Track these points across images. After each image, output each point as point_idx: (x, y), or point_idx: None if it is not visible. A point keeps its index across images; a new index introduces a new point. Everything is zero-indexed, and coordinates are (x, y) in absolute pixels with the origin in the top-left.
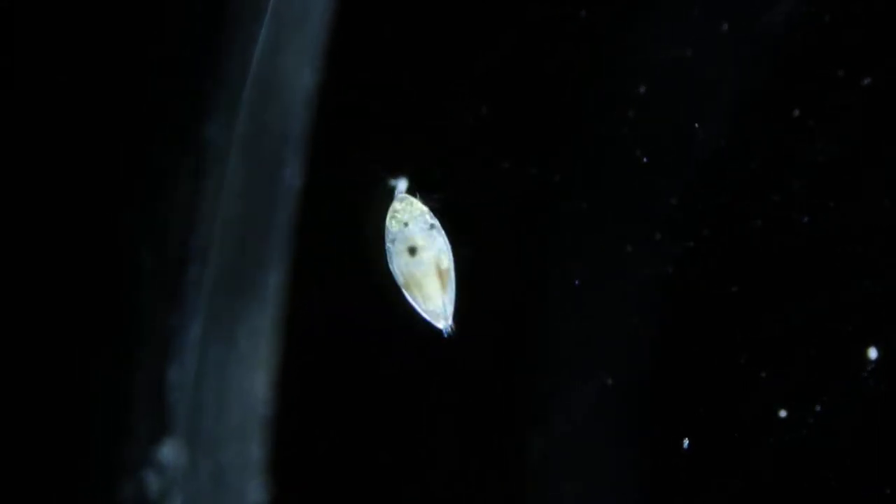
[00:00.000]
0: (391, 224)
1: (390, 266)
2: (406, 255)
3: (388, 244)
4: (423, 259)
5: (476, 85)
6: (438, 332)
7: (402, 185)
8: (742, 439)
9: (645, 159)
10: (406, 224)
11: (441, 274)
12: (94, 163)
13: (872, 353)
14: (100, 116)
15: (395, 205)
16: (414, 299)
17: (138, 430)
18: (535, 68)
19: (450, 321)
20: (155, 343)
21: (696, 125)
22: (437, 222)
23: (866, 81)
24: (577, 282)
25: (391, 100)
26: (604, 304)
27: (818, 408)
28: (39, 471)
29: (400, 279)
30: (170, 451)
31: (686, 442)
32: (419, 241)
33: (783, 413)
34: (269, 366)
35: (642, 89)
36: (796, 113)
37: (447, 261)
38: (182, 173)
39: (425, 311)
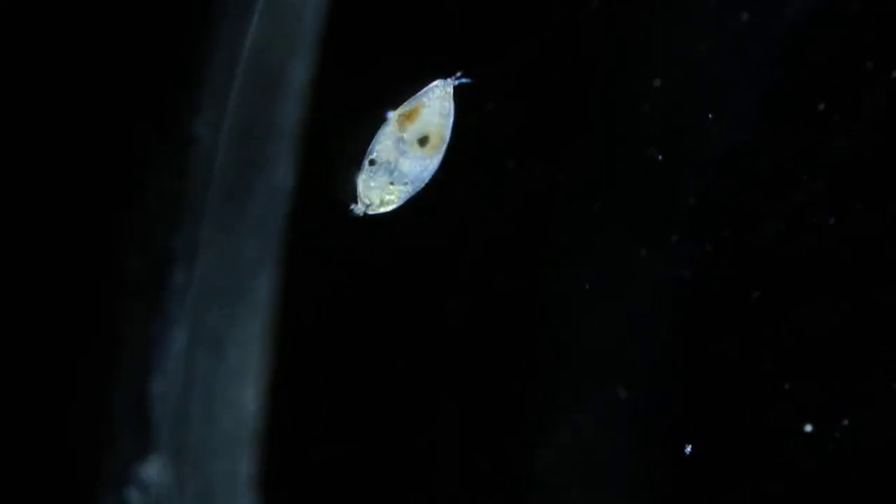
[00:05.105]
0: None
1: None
2: (419, 148)
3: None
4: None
5: (481, 80)
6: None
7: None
8: (765, 454)
9: (660, 157)
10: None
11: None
12: (72, 161)
13: None
14: (78, 112)
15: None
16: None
17: (119, 445)
18: (541, 61)
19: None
20: (137, 352)
21: (710, 116)
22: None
23: (895, 74)
24: (587, 286)
25: (389, 95)
26: (616, 311)
27: (846, 422)
28: (14, 490)
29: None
30: (153, 468)
31: (689, 448)
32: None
33: (809, 427)
34: (260, 376)
35: (657, 83)
36: (820, 107)
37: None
38: (167, 172)
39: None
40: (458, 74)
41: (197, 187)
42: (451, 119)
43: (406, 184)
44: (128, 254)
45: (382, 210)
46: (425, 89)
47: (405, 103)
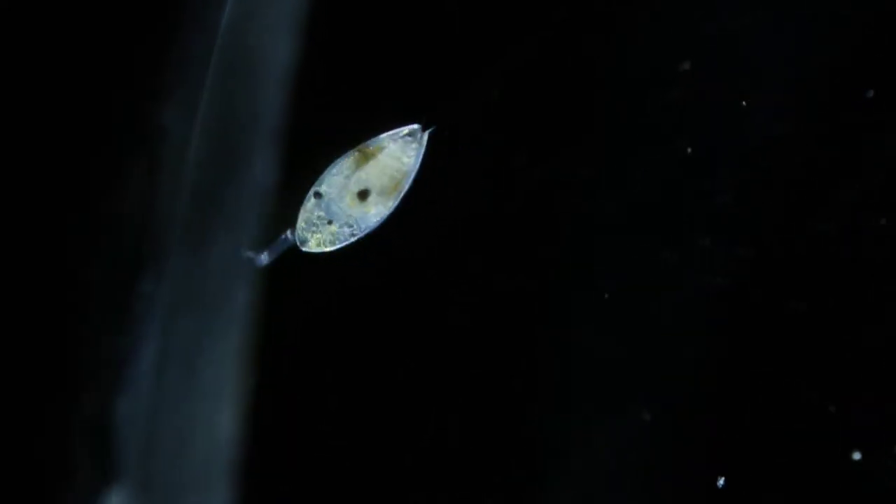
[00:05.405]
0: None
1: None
2: (358, 202)
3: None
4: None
5: (486, 59)
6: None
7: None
8: (808, 486)
9: (689, 150)
10: (329, 222)
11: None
12: (27, 155)
13: None
14: (34, 101)
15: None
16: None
17: (79, 475)
18: (556, 40)
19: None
20: (100, 370)
21: (744, 104)
22: (318, 190)
23: None
24: (606, 296)
25: (384, 80)
26: (639, 324)
27: None
28: None
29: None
30: (117, 501)
31: (721, 480)
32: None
33: (857, 455)
34: (238, 398)
35: (685, 66)
36: (870, 94)
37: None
38: (133, 167)
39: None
40: (433, 126)
41: (167, 184)
42: (413, 170)
43: (350, 226)
44: (88, 259)
45: (317, 250)
46: (394, 131)
47: (369, 141)
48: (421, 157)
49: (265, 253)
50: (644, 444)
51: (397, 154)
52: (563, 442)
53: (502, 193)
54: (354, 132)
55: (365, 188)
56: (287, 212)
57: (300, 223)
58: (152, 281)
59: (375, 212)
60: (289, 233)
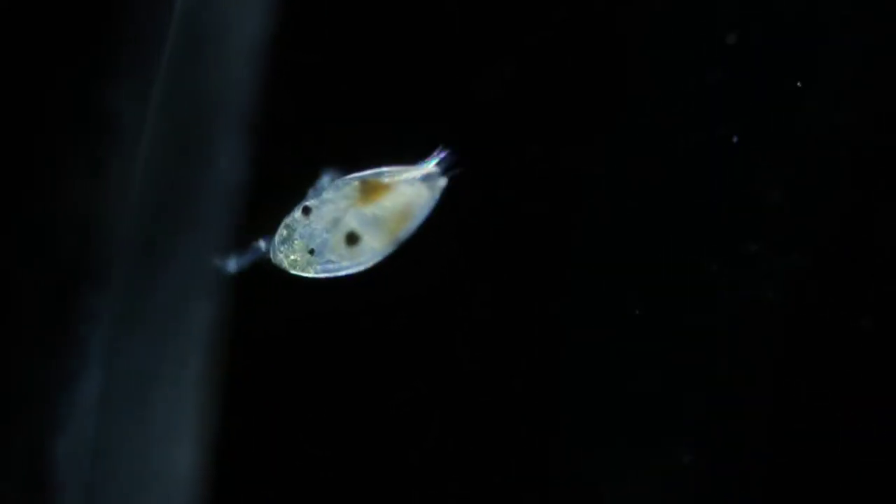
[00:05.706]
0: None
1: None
2: (345, 244)
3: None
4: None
5: (497, 34)
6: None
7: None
8: None
9: (734, 139)
10: (312, 251)
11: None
12: None
13: None
14: None
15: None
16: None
17: None
18: (582, 12)
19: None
20: (34, 402)
21: (799, 84)
22: (307, 206)
23: None
24: (637, 311)
25: (374, 59)
26: (677, 345)
27: None
28: None
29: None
30: None
31: None
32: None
33: None
34: (198, 431)
35: (730, 40)
36: None
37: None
38: (75, 161)
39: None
40: (454, 171)
41: (116, 181)
42: (420, 218)
43: (333, 263)
44: (18, 271)
45: (292, 271)
46: (408, 169)
47: (376, 170)
48: (433, 205)
49: (232, 262)
50: (683, 490)
51: (407, 196)
52: (590, 485)
53: (515, 194)
54: (338, 121)
55: (357, 231)
56: (259, 215)
57: (280, 232)
58: (96, 295)
59: (366, 257)
60: (262, 241)
